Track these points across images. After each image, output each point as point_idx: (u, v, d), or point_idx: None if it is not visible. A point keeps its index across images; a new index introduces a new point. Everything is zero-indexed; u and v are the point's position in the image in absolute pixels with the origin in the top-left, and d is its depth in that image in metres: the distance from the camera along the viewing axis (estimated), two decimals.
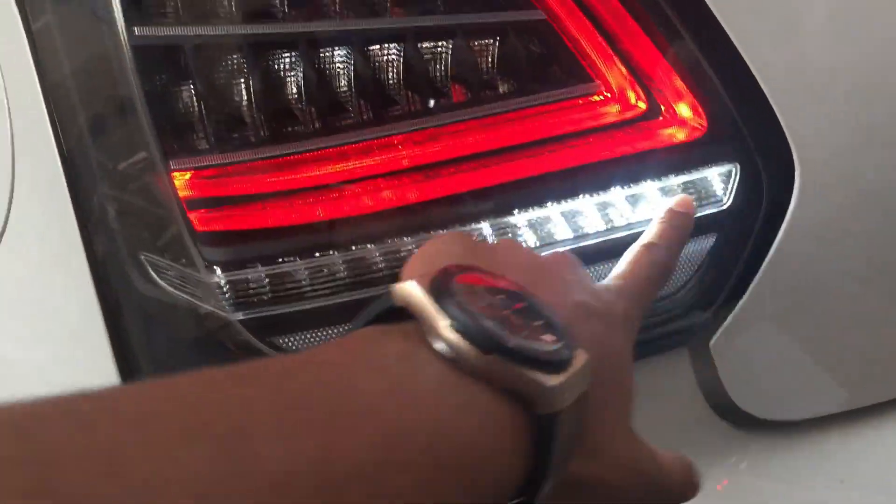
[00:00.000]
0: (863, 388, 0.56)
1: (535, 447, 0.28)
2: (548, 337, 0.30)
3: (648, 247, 0.40)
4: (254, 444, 0.21)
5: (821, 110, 0.47)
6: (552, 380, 0.28)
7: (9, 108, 0.47)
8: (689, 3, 0.44)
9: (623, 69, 0.46)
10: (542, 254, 0.39)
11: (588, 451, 0.32)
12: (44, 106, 0.45)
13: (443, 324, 0.27)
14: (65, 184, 0.46)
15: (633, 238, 0.43)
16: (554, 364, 0.28)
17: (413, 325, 0.28)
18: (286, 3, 0.43)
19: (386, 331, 0.28)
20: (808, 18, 0.45)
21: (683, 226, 0.43)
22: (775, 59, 0.45)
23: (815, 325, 0.52)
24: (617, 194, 0.46)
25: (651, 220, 0.45)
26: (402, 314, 0.29)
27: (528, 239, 0.47)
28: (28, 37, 0.45)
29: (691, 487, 0.38)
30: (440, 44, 0.45)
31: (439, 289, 0.29)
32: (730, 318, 0.49)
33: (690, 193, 0.48)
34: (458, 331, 0.27)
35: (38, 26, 0.45)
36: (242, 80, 0.43)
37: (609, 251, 0.47)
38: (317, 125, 0.44)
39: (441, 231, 0.46)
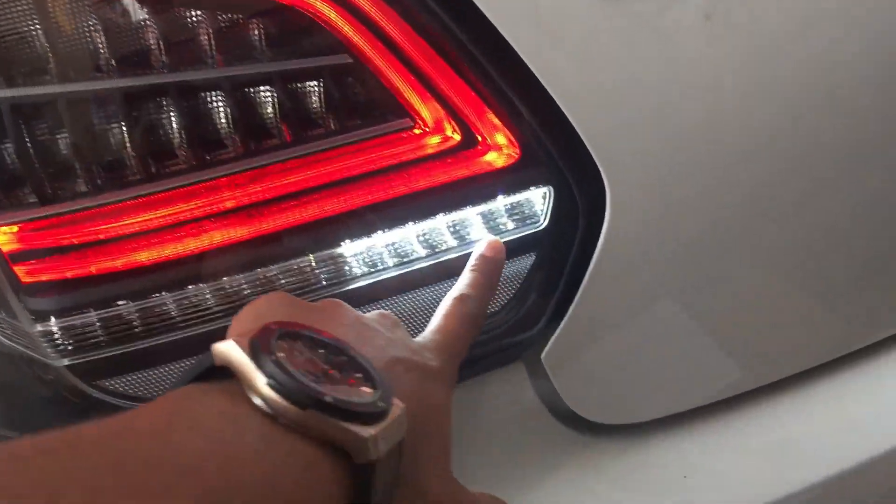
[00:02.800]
0: (691, 390, 0.60)
1: (355, 495, 0.30)
2: (366, 389, 0.31)
3: (462, 299, 0.44)
4: None
5: (625, 132, 0.50)
6: (367, 430, 0.29)
7: None
8: (493, 42, 0.47)
9: (437, 105, 0.48)
10: (365, 314, 0.41)
11: (410, 494, 0.34)
12: None
13: (260, 382, 0.29)
14: None
15: (457, 263, 0.46)
16: (370, 415, 0.30)
17: (234, 383, 0.29)
18: (110, 56, 0.44)
19: (206, 389, 0.29)
20: (604, 47, 0.49)
21: (494, 271, 0.46)
22: (578, 88, 0.49)
23: (640, 332, 0.56)
24: (440, 221, 0.49)
25: (475, 242, 0.48)
26: (224, 372, 0.30)
27: (357, 268, 0.49)
28: None
29: None
30: (263, 89, 0.47)
31: (258, 347, 0.30)
32: (558, 331, 0.53)
33: (511, 216, 0.51)
34: (274, 388, 0.29)
35: None
36: (62, 133, 0.44)
37: (436, 275, 0.49)
38: (140, 172, 0.45)
39: (273, 266, 0.47)
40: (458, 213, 0.49)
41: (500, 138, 0.50)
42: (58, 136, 0.44)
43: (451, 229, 0.49)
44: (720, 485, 0.60)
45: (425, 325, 0.44)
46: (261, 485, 0.26)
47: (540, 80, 0.47)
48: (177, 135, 0.46)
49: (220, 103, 0.46)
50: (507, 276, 0.51)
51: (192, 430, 0.27)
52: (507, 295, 0.51)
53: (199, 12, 0.45)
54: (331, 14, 0.46)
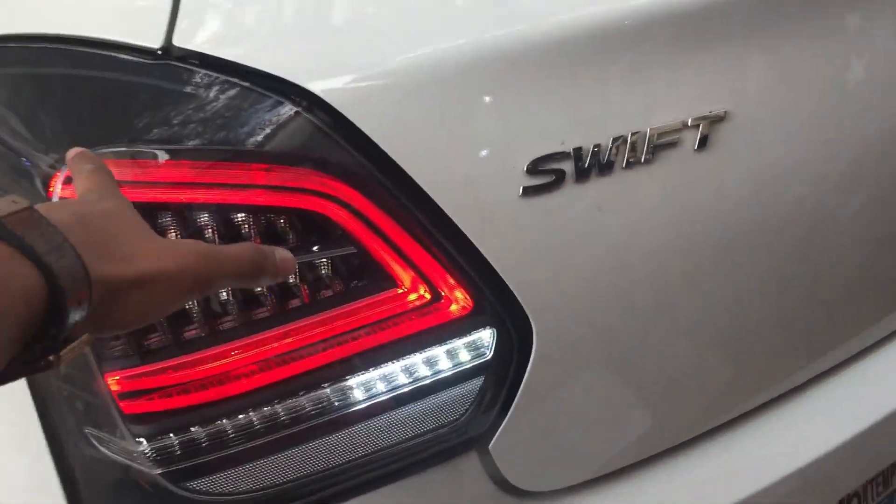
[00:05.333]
0: (607, 460, 0.82)
1: (46, 279, 0.40)
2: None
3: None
4: None
5: (546, 290, 0.72)
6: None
7: None
8: (451, 229, 0.67)
9: (414, 273, 0.69)
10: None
11: (113, 256, 0.45)
12: None
13: None
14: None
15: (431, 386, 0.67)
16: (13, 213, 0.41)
17: None
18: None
19: None
20: (528, 230, 0.70)
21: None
22: (512, 260, 0.70)
23: (563, 423, 0.77)
24: (416, 357, 0.70)
25: (443, 372, 0.69)
26: None
27: (359, 395, 0.69)
28: None
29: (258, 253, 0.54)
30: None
31: None
32: (500, 429, 0.74)
33: (467, 349, 0.72)
34: None
35: None
36: None
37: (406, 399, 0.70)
38: (203, 335, 0.64)
39: (297, 397, 0.67)
40: (430, 351, 0.70)
41: (459, 295, 0.70)
42: None
43: (425, 363, 0.70)
44: None
45: None
46: None
47: (484, 255, 0.68)
48: (231, 305, 0.66)
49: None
50: (464, 392, 0.72)
51: None
52: (465, 407, 0.72)
53: (244, 214, 0.65)
54: (340, 215, 0.67)
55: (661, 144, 0.72)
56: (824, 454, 0.91)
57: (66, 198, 0.61)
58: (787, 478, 0.88)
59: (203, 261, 0.50)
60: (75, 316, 0.41)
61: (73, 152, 0.56)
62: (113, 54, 0.66)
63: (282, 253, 0.56)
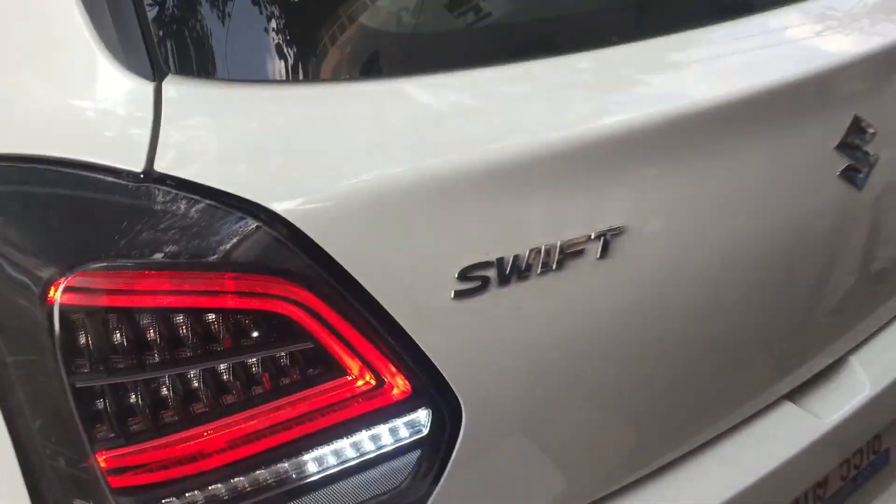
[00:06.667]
0: None
1: None
2: None
3: None
4: None
5: (474, 378, 0.85)
6: None
7: None
8: (393, 326, 0.80)
9: (360, 363, 0.81)
10: None
11: None
12: None
13: None
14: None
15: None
16: None
17: None
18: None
19: None
20: (459, 327, 0.83)
21: None
22: (446, 352, 0.83)
23: (488, 494, 0.90)
24: (363, 435, 0.82)
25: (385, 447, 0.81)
26: None
27: (311, 469, 0.80)
28: None
29: None
30: (252, 362, 0.79)
31: None
32: (434, 494, 0.86)
33: (407, 427, 0.84)
34: None
35: None
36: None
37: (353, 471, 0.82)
38: (178, 419, 0.76)
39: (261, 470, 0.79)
40: (375, 429, 0.82)
41: (399, 381, 0.83)
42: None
43: (370, 439, 0.82)
44: None
45: None
46: None
47: (422, 348, 0.81)
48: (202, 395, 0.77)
49: (226, 373, 0.78)
50: (403, 464, 0.84)
51: None
52: (404, 476, 0.84)
53: (215, 315, 0.77)
54: (299, 315, 0.79)
55: (569, 254, 0.86)
56: None
57: (67, 305, 0.72)
58: None
59: None
60: None
61: None
62: (100, 176, 0.78)
63: None
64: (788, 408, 1.19)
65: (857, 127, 1.06)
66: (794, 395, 1.21)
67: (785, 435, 1.15)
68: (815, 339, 1.20)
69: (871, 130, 1.08)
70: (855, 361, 1.27)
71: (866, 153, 1.08)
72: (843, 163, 1.06)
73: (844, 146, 1.06)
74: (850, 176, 1.08)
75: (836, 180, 1.07)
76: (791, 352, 1.16)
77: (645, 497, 1.05)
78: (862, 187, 1.09)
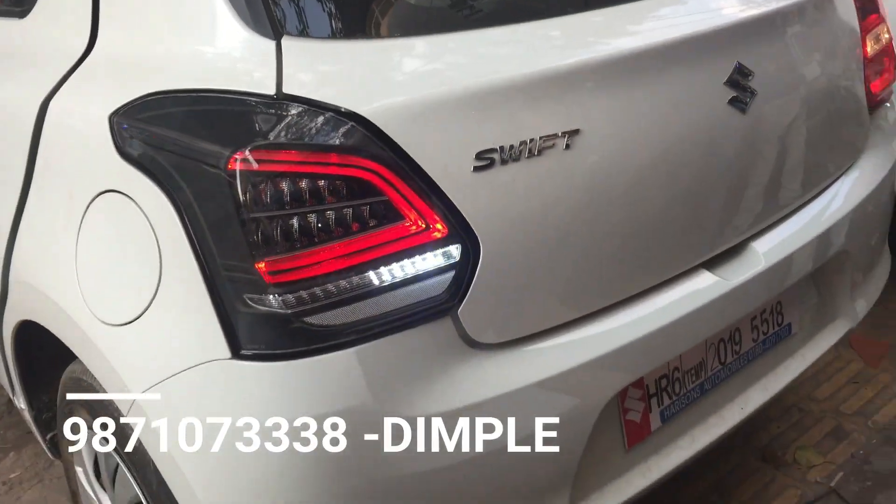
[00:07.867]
0: (532, 323, 1.41)
1: None
2: None
3: None
4: None
5: (491, 222, 1.31)
6: None
7: None
8: (435, 190, 1.27)
9: (415, 213, 1.28)
10: None
11: None
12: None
13: None
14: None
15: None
16: None
17: None
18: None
19: None
20: (487, 193, 1.30)
21: None
22: (474, 204, 1.29)
23: (502, 304, 1.36)
24: (416, 258, 1.28)
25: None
26: None
27: (385, 277, 1.27)
28: None
29: None
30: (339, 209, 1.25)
31: None
32: (465, 300, 1.32)
33: (444, 256, 1.30)
34: None
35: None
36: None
37: (410, 281, 1.29)
38: (307, 240, 1.22)
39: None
40: (424, 255, 1.29)
41: (440, 226, 1.29)
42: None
43: (422, 261, 1.29)
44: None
45: None
46: None
47: (454, 203, 1.28)
48: (320, 229, 1.23)
49: (334, 215, 1.24)
50: (443, 280, 1.30)
51: None
52: (444, 286, 1.31)
53: (324, 181, 1.24)
54: (376, 180, 1.25)
55: (545, 146, 1.34)
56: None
57: (242, 170, 1.18)
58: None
59: None
60: None
61: None
62: (251, 99, 1.25)
63: None
64: (704, 273, 1.67)
65: (739, 69, 1.56)
66: (709, 265, 1.69)
67: (701, 289, 1.63)
68: (724, 222, 1.68)
69: (749, 72, 1.57)
70: (755, 244, 1.76)
71: (746, 88, 1.57)
72: (730, 94, 1.56)
73: (732, 83, 1.55)
74: (737, 104, 1.57)
75: (726, 106, 1.56)
76: (704, 228, 1.64)
77: (607, 323, 1.52)
78: (745, 112, 1.58)
